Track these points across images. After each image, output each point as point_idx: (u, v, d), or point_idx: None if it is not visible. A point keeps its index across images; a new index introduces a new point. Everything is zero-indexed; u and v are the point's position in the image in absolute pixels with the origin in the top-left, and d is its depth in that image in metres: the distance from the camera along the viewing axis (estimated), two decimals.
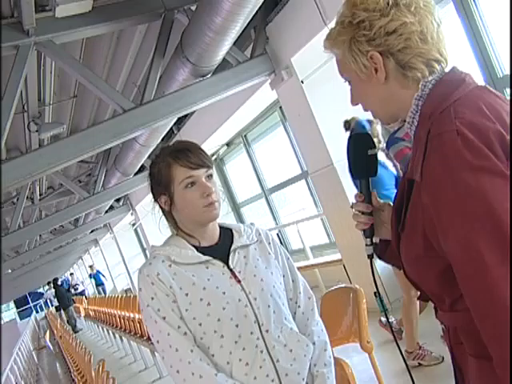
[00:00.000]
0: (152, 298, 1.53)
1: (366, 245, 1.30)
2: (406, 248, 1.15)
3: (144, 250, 15.92)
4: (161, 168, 1.59)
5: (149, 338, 6.34)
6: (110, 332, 10.45)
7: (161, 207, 1.63)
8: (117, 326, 9.17)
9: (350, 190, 5.22)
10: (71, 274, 25.10)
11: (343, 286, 2.95)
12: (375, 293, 5.45)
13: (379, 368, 2.37)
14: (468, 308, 1.04)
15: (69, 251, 18.26)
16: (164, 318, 1.51)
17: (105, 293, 19.31)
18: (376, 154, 1.32)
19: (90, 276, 21.08)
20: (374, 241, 1.30)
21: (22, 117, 6.86)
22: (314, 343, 1.64)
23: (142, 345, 6.93)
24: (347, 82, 1.21)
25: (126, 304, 9.61)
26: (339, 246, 5.90)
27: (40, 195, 11.09)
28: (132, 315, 8.00)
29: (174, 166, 1.56)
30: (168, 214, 1.62)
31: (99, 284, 20.16)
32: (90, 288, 23.70)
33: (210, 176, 1.59)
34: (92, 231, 16.28)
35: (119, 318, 8.95)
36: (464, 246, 1.00)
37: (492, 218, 0.98)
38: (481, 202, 0.98)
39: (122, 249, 16.07)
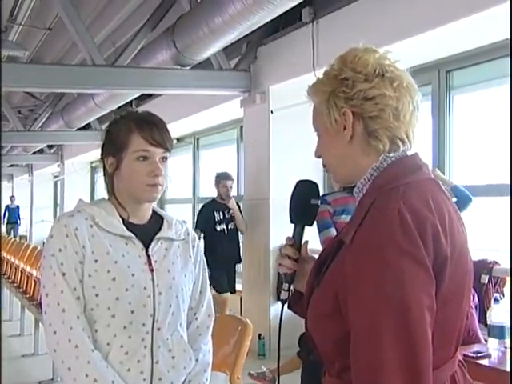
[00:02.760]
0: (60, 250, 1.46)
1: (284, 289, 1.30)
2: (316, 304, 1.16)
3: (56, 205, 15.37)
4: (120, 130, 1.53)
5: (25, 292, 6.09)
6: None
7: (104, 168, 1.57)
8: None
9: (275, 229, 5.28)
10: None
11: (236, 315, 2.95)
12: (260, 335, 5.46)
13: None
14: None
15: None
16: (64, 274, 1.45)
17: (15, 235, 15.52)
18: (318, 205, 1.33)
19: (7, 208, 16.81)
20: (291, 288, 1.29)
21: None
22: (196, 360, 1.62)
23: (15, 295, 6.63)
24: (316, 133, 1.23)
25: (17, 250, 9.21)
26: (244, 277, 5.90)
27: None
28: (17, 263, 7.66)
29: (134, 133, 1.51)
30: (109, 177, 1.56)
31: (12, 222, 16.49)
32: None
33: (164, 158, 1.55)
34: (11, 165, 15.62)
35: (3, 260, 8.54)
36: (367, 321, 1.02)
37: (402, 305, 1.00)
38: (397, 286, 1.01)
39: (34, 195, 15.47)
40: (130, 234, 1.53)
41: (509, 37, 3.15)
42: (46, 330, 1.46)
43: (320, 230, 3.02)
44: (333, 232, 2.98)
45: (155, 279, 1.53)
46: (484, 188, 3.93)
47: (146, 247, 1.55)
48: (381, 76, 1.14)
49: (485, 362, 2.58)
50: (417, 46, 4.01)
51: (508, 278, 3.40)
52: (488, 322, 2.65)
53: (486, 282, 3.32)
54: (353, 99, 1.13)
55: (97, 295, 1.47)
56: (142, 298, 1.50)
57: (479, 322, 3.14)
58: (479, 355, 2.60)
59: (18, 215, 16.58)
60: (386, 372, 0.98)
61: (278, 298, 1.34)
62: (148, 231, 1.57)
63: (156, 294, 1.52)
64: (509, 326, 2.61)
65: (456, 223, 1.13)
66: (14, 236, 15.00)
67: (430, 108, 4.37)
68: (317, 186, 1.35)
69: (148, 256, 1.54)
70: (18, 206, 16.63)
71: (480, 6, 3.39)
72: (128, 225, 1.55)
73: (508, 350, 2.58)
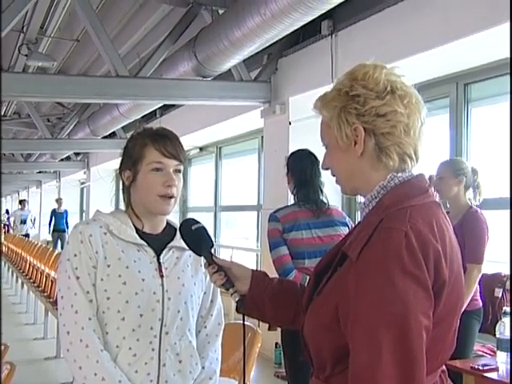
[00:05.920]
0: (75, 255, 1.54)
1: (231, 294, 1.41)
2: (315, 313, 1.19)
3: (82, 212, 15.62)
4: (136, 144, 1.61)
5: (49, 296, 6.23)
6: (15, 275, 10.18)
7: (122, 181, 1.65)
8: (23, 272, 8.95)
9: None
10: (22, 200, 16.86)
11: (246, 322, 2.98)
12: (276, 343, 5.45)
13: None
14: None
15: (8, 181, 17.78)
16: (78, 278, 1.53)
17: (62, 246, 11.74)
18: (203, 227, 1.47)
19: (53, 213, 13.77)
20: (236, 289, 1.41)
21: (18, 36, 6.73)
22: (203, 367, 1.66)
23: (39, 299, 6.79)
24: (324, 146, 1.27)
25: (42, 254, 9.41)
26: None
27: (3, 116, 10.84)
28: (43, 267, 7.83)
29: (148, 146, 1.59)
30: (126, 190, 1.64)
31: (60, 229, 13.28)
32: (37, 229, 17.08)
33: (178, 171, 1.61)
34: (39, 172, 15.95)
35: (29, 265, 8.75)
36: (368, 337, 1.05)
37: (404, 324, 1.03)
38: (400, 305, 1.04)
39: (62, 201, 15.73)
40: (142, 241, 1.61)
41: (509, 55, 3.16)
42: (61, 330, 1.55)
43: (270, 249, 3.06)
44: (283, 250, 2.99)
45: (165, 285, 1.59)
46: (501, 201, 3.92)
47: (158, 255, 1.62)
48: (392, 93, 1.17)
49: (493, 375, 2.58)
50: (435, 59, 4.02)
51: None
52: (497, 336, 2.65)
53: (500, 295, 3.31)
54: (365, 115, 1.17)
55: (108, 298, 1.54)
56: (151, 302, 1.56)
57: (490, 333, 3.14)
58: (487, 368, 2.60)
59: (67, 222, 13.44)
60: None
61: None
62: (161, 240, 1.65)
63: (165, 299, 1.58)
64: None
65: (455, 248, 1.17)
66: (62, 247, 11.84)
67: (447, 121, 4.37)
68: (190, 218, 1.52)
69: (159, 263, 1.61)
70: (66, 211, 13.69)
71: (499, 20, 3.39)
72: (141, 234, 1.63)
73: None
